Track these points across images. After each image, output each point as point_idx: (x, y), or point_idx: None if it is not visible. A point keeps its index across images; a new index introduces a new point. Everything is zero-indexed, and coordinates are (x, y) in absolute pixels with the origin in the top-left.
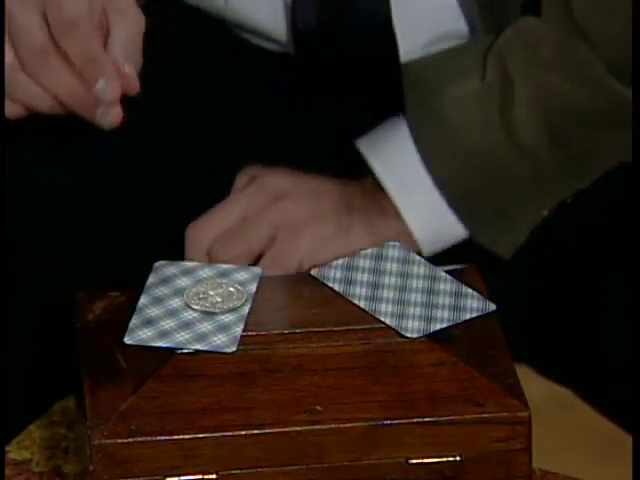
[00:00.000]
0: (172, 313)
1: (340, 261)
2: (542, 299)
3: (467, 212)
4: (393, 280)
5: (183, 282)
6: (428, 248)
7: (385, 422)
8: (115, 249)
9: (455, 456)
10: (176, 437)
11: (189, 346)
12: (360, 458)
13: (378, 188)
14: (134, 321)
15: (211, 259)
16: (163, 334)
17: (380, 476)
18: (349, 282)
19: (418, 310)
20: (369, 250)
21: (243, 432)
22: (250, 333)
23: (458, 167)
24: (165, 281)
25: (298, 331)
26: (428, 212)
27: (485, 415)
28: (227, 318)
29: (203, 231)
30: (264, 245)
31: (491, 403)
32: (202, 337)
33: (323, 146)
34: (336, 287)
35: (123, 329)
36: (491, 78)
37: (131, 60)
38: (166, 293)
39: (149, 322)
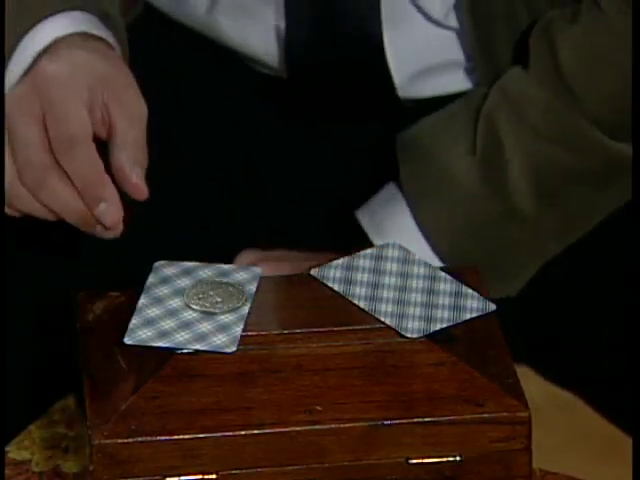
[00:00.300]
0: (172, 313)
1: (340, 261)
2: (542, 301)
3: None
4: (393, 280)
5: (183, 282)
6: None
7: (385, 422)
8: (115, 249)
9: (455, 456)
10: (176, 437)
11: (189, 346)
12: (360, 458)
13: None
14: (134, 321)
15: None
16: (163, 334)
17: (380, 476)
18: (349, 282)
19: (418, 310)
20: (369, 250)
21: (243, 432)
22: (250, 333)
23: (457, 237)
24: (165, 281)
25: (298, 331)
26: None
27: (485, 415)
28: (227, 318)
29: None
30: None
31: (491, 403)
32: (202, 337)
33: (317, 167)
34: (336, 287)
35: (123, 329)
36: (482, 145)
37: (137, 163)
38: (166, 293)
39: (149, 322)
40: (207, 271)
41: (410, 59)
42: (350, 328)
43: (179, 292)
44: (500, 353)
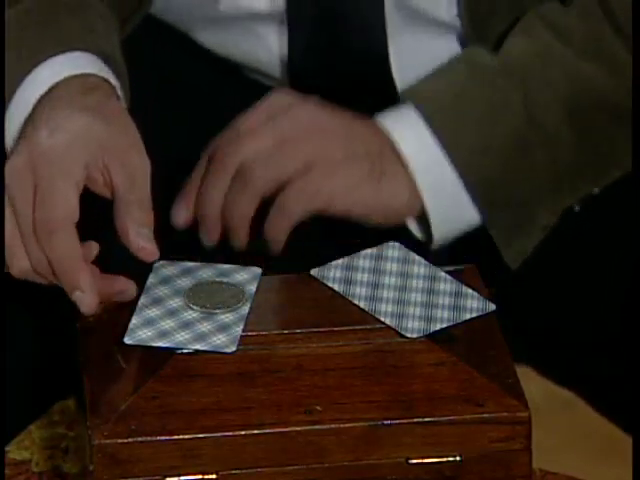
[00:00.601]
0: (172, 313)
1: (340, 261)
2: (542, 301)
3: (483, 197)
4: (393, 280)
5: (183, 282)
6: (439, 232)
7: (385, 422)
8: (115, 249)
9: (455, 456)
10: (176, 437)
11: (189, 346)
12: (360, 458)
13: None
14: (134, 321)
15: (238, 182)
16: (163, 334)
17: (380, 476)
18: (349, 282)
19: (418, 310)
20: (369, 250)
21: (243, 432)
22: (250, 333)
23: (478, 150)
24: (165, 281)
25: (298, 331)
26: (444, 191)
27: (485, 415)
28: (227, 318)
29: (232, 151)
30: (296, 175)
31: (491, 403)
32: (202, 337)
33: None
34: (336, 287)
35: (123, 329)
36: (516, 56)
37: (142, 225)
38: (166, 293)
39: (149, 322)
40: (207, 271)
41: (413, 66)
42: (350, 328)
43: (179, 292)
44: (500, 353)
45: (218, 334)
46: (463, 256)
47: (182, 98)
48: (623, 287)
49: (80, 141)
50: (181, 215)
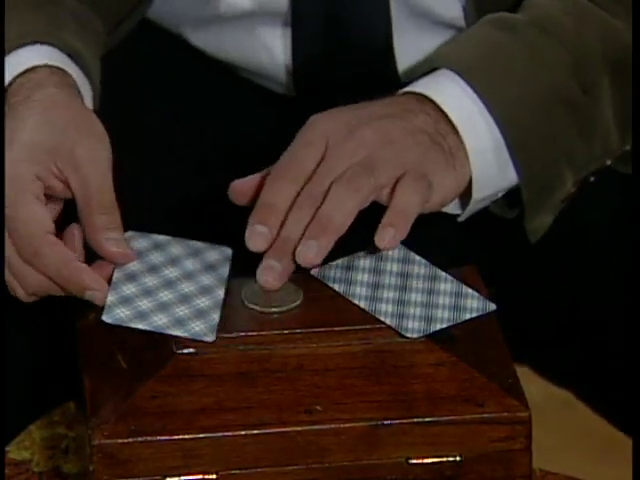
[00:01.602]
0: (147, 293)
1: (340, 261)
2: (541, 302)
3: (522, 151)
4: (393, 280)
5: (155, 258)
6: (479, 191)
7: (385, 422)
8: None
9: (455, 456)
10: (176, 437)
11: (168, 331)
12: (360, 458)
13: (441, 119)
14: (111, 298)
15: (346, 183)
16: (141, 315)
17: (380, 476)
18: (349, 282)
19: (418, 310)
20: (369, 250)
21: (243, 432)
22: (250, 333)
23: (518, 102)
24: (138, 255)
25: (298, 331)
26: (486, 148)
27: (485, 415)
28: (203, 303)
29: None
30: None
31: (491, 403)
32: (180, 322)
33: None
34: (336, 287)
35: (123, 329)
36: (546, 13)
37: (109, 228)
38: (139, 269)
39: (126, 301)
40: (179, 247)
41: (419, 65)
42: (350, 328)
43: (152, 269)
44: (500, 353)
45: (196, 320)
46: (463, 256)
47: (179, 100)
48: (622, 288)
49: (25, 153)
50: (262, 234)
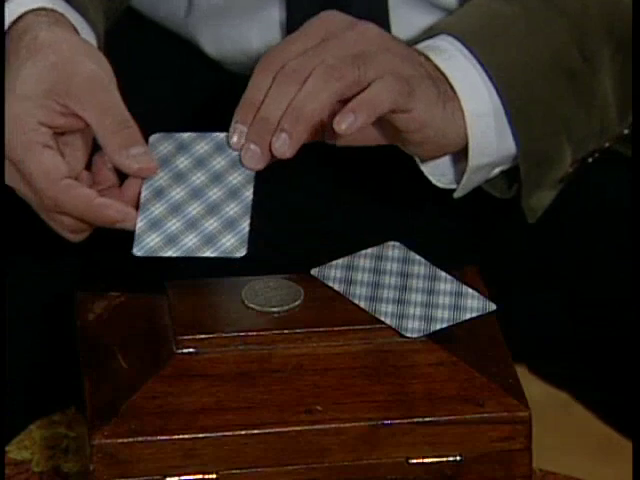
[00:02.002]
0: (175, 209)
1: (340, 261)
2: (539, 303)
3: (522, 119)
4: (393, 280)
5: (181, 162)
6: (476, 158)
7: (385, 422)
8: (115, 250)
9: (455, 456)
10: (176, 437)
11: (199, 253)
12: (360, 458)
13: (440, 78)
14: (140, 224)
15: (319, 78)
16: (171, 239)
17: (380, 476)
18: (349, 282)
19: (418, 310)
20: (369, 250)
21: (243, 432)
22: (250, 333)
23: (519, 68)
24: (164, 162)
25: (298, 331)
26: (485, 115)
27: (485, 415)
28: (232, 210)
29: (308, 58)
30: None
31: (491, 403)
32: (210, 240)
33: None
34: (336, 287)
35: (123, 329)
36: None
37: (127, 145)
38: (166, 181)
39: (155, 224)
40: (204, 144)
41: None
42: (350, 328)
43: (179, 177)
44: (500, 353)
45: (226, 233)
46: (463, 255)
47: (175, 100)
48: (622, 290)
49: (22, 104)
50: (237, 130)
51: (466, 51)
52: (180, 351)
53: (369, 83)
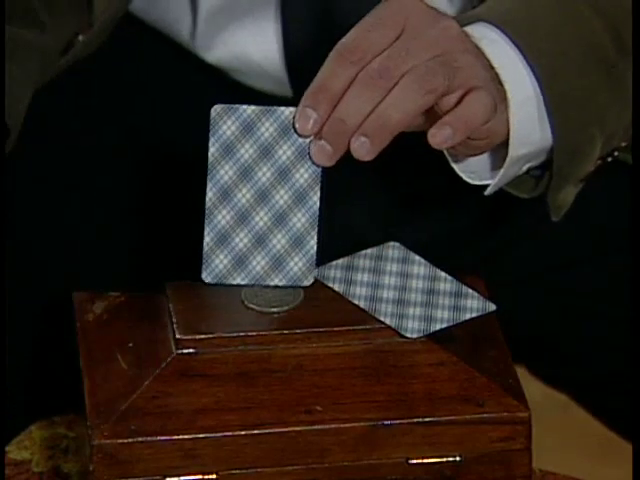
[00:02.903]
0: (242, 218)
1: (340, 261)
2: (541, 303)
3: (559, 106)
4: (393, 280)
5: (246, 151)
6: (517, 147)
7: (385, 422)
8: (115, 250)
9: (455, 456)
10: (176, 437)
11: (267, 281)
12: (360, 458)
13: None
14: (207, 238)
15: (409, 85)
16: (239, 261)
17: (380, 476)
18: (349, 282)
19: (418, 310)
20: (369, 250)
21: (243, 432)
22: (250, 333)
23: (556, 56)
24: (228, 149)
25: (298, 331)
26: (525, 104)
27: (485, 415)
28: (299, 221)
29: (396, 63)
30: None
31: (491, 403)
32: (278, 263)
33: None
34: (336, 287)
35: (123, 329)
36: None
37: None
38: (231, 177)
39: (222, 239)
40: (267, 123)
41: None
42: (350, 328)
43: (245, 172)
44: (500, 353)
45: (294, 255)
46: (463, 256)
47: (172, 105)
48: (623, 292)
49: None
50: (310, 117)
51: (506, 38)
52: (180, 351)
53: (454, 91)
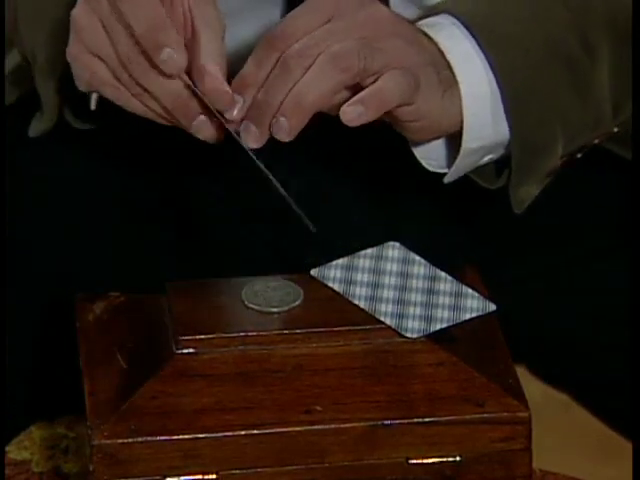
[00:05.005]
0: None
1: (340, 261)
2: (541, 305)
3: (517, 102)
4: (393, 280)
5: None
6: (470, 141)
7: (385, 422)
8: (114, 250)
9: (455, 456)
10: (176, 437)
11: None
12: (360, 458)
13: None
14: None
15: (326, 66)
16: None
17: (380, 476)
18: (349, 282)
19: (418, 310)
20: (369, 250)
21: (243, 432)
22: (250, 333)
23: (518, 52)
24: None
25: (298, 331)
26: (480, 98)
27: (485, 415)
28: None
29: (314, 43)
30: (387, 69)
31: (491, 403)
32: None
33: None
34: (336, 287)
35: (123, 329)
36: None
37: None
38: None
39: None
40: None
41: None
42: (350, 328)
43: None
44: (500, 353)
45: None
46: (463, 256)
47: None
48: (621, 290)
49: None
50: (236, 103)
51: (466, 31)
52: (180, 351)
53: (374, 73)
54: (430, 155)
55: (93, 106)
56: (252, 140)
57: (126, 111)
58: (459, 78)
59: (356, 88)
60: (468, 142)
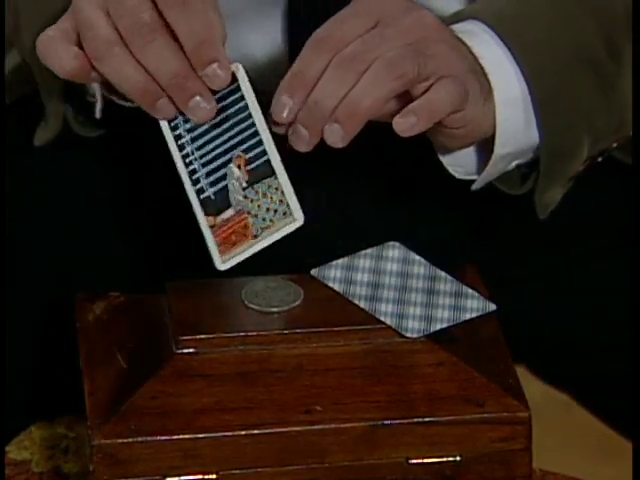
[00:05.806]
0: None
1: (340, 261)
2: (541, 304)
3: (546, 106)
4: (393, 280)
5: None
6: (502, 146)
7: (385, 422)
8: (114, 251)
9: (455, 456)
10: (176, 437)
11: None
12: (360, 458)
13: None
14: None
15: (380, 71)
16: None
17: (380, 476)
18: (349, 282)
19: (418, 310)
20: (369, 250)
21: (243, 432)
22: (250, 333)
23: (547, 55)
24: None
25: (298, 331)
26: (513, 104)
27: (485, 415)
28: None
29: (367, 48)
30: (436, 77)
31: (491, 403)
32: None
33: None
34: (336, 287)
35: (123, 329)
36: None
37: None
38: None
39: None
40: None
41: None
42: (350, 328)
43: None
44: (500, 353)
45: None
46: (463, 256)
47: None
48: (621, 290)
49: None
50: (286, 105)
51: (495, 36)
52: (180, 351)
53: (426, 78)
54: (459, 162)
55: (98, 115)
56: (302, 144)
57: (130, 116)
58: (493, 84)
59: (404, 95)
60: (499, 147)
